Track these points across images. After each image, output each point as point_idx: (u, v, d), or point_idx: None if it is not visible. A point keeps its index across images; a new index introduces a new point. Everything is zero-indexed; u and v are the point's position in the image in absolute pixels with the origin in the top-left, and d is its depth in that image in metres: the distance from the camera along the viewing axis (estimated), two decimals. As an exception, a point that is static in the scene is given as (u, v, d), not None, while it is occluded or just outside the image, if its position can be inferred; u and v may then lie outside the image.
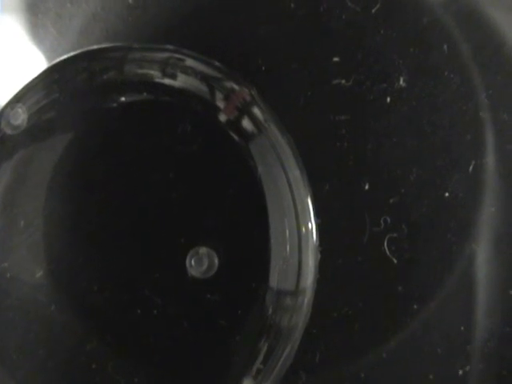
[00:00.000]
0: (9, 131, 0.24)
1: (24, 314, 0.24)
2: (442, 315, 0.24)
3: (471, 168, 0.24)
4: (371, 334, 0.24)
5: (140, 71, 0.24)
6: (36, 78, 0.24)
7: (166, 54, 0.24)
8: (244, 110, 0.24)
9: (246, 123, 0.24)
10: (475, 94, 0.24)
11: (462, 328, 0.24)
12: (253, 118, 0.24)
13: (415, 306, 0.24)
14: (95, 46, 0.24)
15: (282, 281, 0.23)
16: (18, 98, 0.24)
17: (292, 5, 0.24)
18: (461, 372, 0.24)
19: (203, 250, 0.23)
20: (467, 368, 0.24)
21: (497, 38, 0.24)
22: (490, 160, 0.24)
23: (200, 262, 0.23)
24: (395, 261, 0.24)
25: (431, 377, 0.24)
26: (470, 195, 0.24)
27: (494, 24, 0.24)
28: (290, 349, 0.23)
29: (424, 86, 0.24)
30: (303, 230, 0.23)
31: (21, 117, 0.24)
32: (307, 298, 0.23)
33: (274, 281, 0.23)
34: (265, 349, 0.23)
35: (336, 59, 0.24)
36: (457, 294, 0.24)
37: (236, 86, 0.24)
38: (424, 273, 0.24)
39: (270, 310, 0.23)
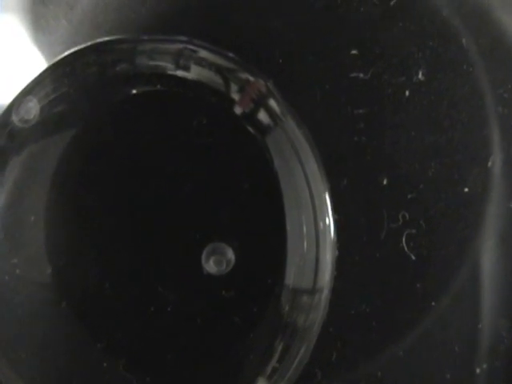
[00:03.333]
0: (19, 124, 0.23)
1: (34, 311, 0.23)
2: (460, 312, 0.24)
3: (490, 163, 0.24)
4: (388, 332, 0.23)
5: (152, 63, 0.23)
6: (46, 70, 0.23)
7: (179, 46, 0.23)
8: (260, 102, 0.23)
9: (262, 116, 0.23)
10: (494, 88, 0.24)
11: (480, 325, 0.24)
12: (269, 111, 0.23)
13: (433, 303, 0.23)
14: (106, 38, 0.24)
15: (298, 278, 0.23)
16: (28, 91, 0.23)
17: (309, -4, 0.24)
18: (478, 370, 0.24)
19: (219, 245, 0.23)
20: (484, 366, 0.24)
21: (516, 32, 0.24)
22: (509, 155, 0.24)
23: (215, 258, 0.23)
24: (413, 257, 0.23)
25: (448, 376, 0.24)
26: (489, 190, 0.24)
27: (513, 17, 0.24)
28: (306, 347, 0.23)
29: (443, 79, 0.23)
30: (321, 225, 0.23)
31: (32, 110, 0.23)
32: (324, 295, 0.23)
33: (290, 278, 0.23)
34: (280, 347, 0.23)
35: (354, 52, 0.23)
36: (475, 291, 0.24)
37: (251, 78, 0.23)
38: (442, 269, 0.23)
39: (287, 308, 0.23)
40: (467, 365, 0.24)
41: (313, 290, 0.23)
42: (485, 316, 0.24)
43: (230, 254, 0.23)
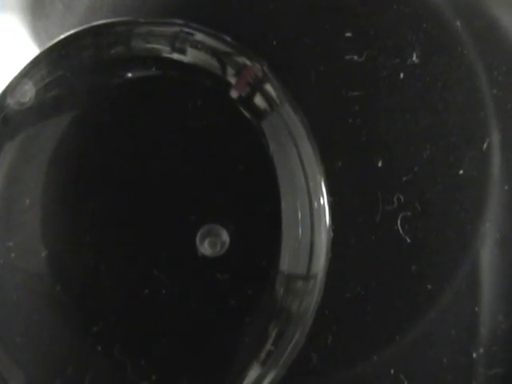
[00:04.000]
0: (15, 107, 0.23)
1: (29, 294, 0.23)
2: (456, 296, 0.24)
3: (485, 146, 0.24)
4: (384, 315, 0.23)
5: (148, 46, 0.23)
6: (42, 53, 0.23)
7: (175, 29, 0.23)
8: (256, 86, 0.23)
9: (258, 100, 0.23)
10: (489, 70, 0.24)
11: (476, 309, 0.24)
12: (265, 95, 0.23)
13: (429, 287, 0.23)
14: (102, 21, 0.24)
15: (293, 261, 0.23)
16: (23, 74, 0.23)
17: (304, -21, 0.24)
18: (475, 355, 0.24)
19: (214, 227, 0.23)
20: (481, 350, 0.24)
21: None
22: (504, 137, 0.24)
23: (210, 240, 0.22)
24: (408, 240, 0.23)
25: (445, 360, 0.24)
26: (484, 173, 0.23)
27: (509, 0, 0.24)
28: (301, 332, 0.23)
29: (437, 62, 0.23)
30: (315, 208, 0.23)
31: (28, 93, 0.23)
32: (319, 279, 0.23)
33: (285, 261, 0.23)
34: (275, 332, 0.23)
35: (348, 34, 0.23)
36: (471, 274, 0.24)
37: (248, 62, 0.23)
38: (437, 252, 0.23)
39: (281, 292, 0.23)
40: (464, 349, 0.24)
41: (307, 276, 0.23)
42: (482, 300, 0.24)
43: (225, 236, 0.23)
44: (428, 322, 0.24)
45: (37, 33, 0.25)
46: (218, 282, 0.23)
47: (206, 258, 0.23)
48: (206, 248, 0.22)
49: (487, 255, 0.24)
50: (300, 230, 0.23)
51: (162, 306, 0.23)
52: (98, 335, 0.23)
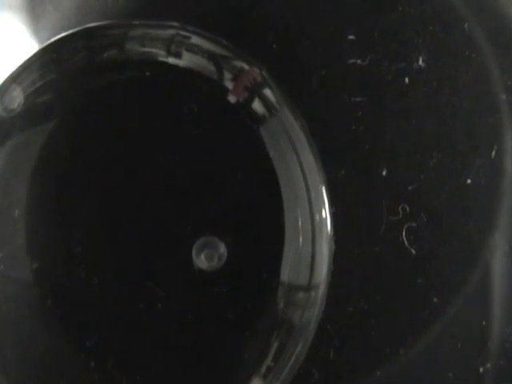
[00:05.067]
0: (3, 114, 0.22)
1: (19, 307, 0.23)
2: (463, 309, 0.23)
3: (493, 153, 0.23)
4: (388, 330, 0.23)
5: (142, 49, 0.23)
6: (32, 57, 0.23)
7: (170, 31, 0.23)
8: (254, 91, 0.22)
9: (257, 105, 0.22)
10: (497, 75, 0.23)
11: (484, 323, 0.23)
12: (264, 100, 0.22)
13: (435, 300, 0.23)
14: (94, 23, 0.23)
15: (294, 273, 0.22)
16: (12, 79, 0.23)
17: (305, -20, 0.23)
18: (482, 369, 0.23)
19: (210, 239, 0.22)
20: (488, 365, 0.23)
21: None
22: (514, 145, 0.23)
23: (207, 253, 0.22)
24: (414, 252, 0.22)
25: (451, 375, 0.23)
26: (493, 182, 0.23)
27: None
28: (303, 345, 0.22)
29: (444, 66, 0.23)
30: (317, 218, 0.22)
31: (16, 99, 0.22)
32: (321, 291, 0.22)
33: (285, 273, 0.22)
34: (276, 345, 0.22)
35: (351, 37, 0.23)
36: (478, 286, 0.23)
37: (245, 66, 0.22)
38: (444, 264, 0.23)
39: (282, 304, 0.22)
40: (470, 363, 0.23)
41: (309, 286, 0.22)
42: (489, 313, 0.23)
43: (222, 249, 0.22)
44: (434, 335, 0.23)
45: (27, 35, 0.24)
46: (215, 296, 0.22)
47: (203, 271, 0.22)
48: (202, 261, 0.22)
49: (496, 267, 0.23)
50: (301, 240, 0.22)
51: (158, 320, 0.22)
52: (92, 350, 0.22)
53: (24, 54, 0.23)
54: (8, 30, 0.24)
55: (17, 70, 0.23)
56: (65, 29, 0.23)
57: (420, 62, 0.23)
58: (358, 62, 0.23)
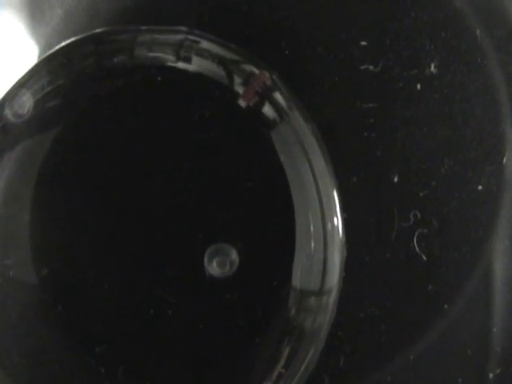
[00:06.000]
0: (13, 119, 0.22)
1: (28, 315, 0.22)
2: (473, 315, 0.23)
3: (505, 160, 0.23)
4: (399, 336, 0.23)
5: (151, 54, 0.22)
6: (41, 62, 0.22)
7: (179, 36, 0.22)
8: (265, 95, 0.22)
9: (267, 110, 0.22)
10: (509, 82, 0.23)
11: (494, 329, 0.23)
12: (274, 105, 0.22)
13: (445, 306, 0.23)
14: (103, 28, 0.23)
15: (305, 280, 0.22)
16: (22, 84, 0.22)
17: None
18: (491, 375, 0.23)
19: (222, 246, 0.22)
20: (498, 371, 0.23)
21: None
22: (525, 151, 0.23)
23: (219, 260, 0.22)
24: (425, 258, 0.22)
25: (460, 381, 0.23)
26: (504, 188, 0.23)
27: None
28: (314, 352, 0.22)
29: (456, 72, 0.23)
30: (329, 225, 0.22)
31: (26, 104, 0.22)
32: (332, 297, 0.22)
33: (297, 279, 0.22)
34: (287, 352, 0.22)
35: (363, 43, 0.22)
36: (489, 293, 0.23)
37: (256, 70, 0.22)
38: (455, 271, 0.23)
39: (293, 311, 0.22)
40: (480, 369, 0.23)
41: (320, 292, 0.22)
42: (499, 319, 0.23)
43: (234, 255, 0.22)
44: (444, 342, 0.23)
45: (36, 40, 0.23)
46: (227, 303, 0.22)
47: (215, 278, 0.22)
48: (214, 268, 0.22)
49: (505, 274, 0.23)
50: (313, 246, 0.22)
51: (168, 327, 0.22)
52: (101, 357, 0.22)
53: (33, 59, 0.23)
54: (13, 32, 0.24)
55: (26, 75, 0.22)
56: (74, 34, 0.22)
57: (432, 68, 0.22)
58: (370, 68, 0.22)
